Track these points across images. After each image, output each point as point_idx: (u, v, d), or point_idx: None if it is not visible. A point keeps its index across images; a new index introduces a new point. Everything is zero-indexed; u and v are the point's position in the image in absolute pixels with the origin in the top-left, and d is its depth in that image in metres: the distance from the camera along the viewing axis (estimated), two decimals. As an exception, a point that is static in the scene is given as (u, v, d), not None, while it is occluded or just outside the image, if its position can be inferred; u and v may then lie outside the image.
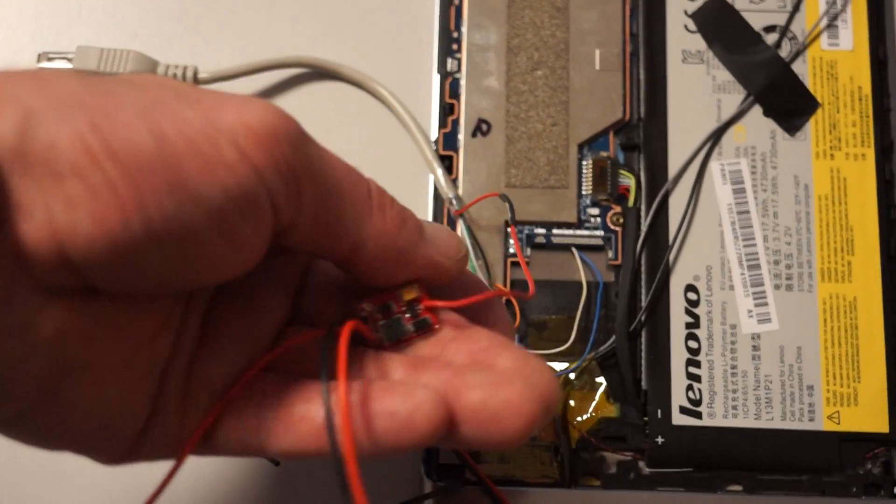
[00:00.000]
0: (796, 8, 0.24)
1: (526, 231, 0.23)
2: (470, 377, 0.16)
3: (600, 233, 0.24)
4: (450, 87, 0.25)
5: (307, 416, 0.15)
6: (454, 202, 0.22)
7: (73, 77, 0.14)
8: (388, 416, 0.15)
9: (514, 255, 0.23)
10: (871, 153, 0.23)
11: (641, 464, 0.22)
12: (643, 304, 0.23)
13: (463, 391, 0.16)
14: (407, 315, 0.17)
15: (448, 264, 0.17)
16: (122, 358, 0.15)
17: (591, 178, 0.24)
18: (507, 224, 0.22)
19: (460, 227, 0.22)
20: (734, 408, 0.22)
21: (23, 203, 0.13)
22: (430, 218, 0.23)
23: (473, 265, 0.22)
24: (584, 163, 0.24)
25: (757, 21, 0.25)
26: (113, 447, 0.15)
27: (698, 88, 0.24)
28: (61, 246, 0.13)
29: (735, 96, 0.24)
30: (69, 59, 0.23)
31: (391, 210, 0.17)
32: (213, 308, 0.16)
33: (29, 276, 0.13)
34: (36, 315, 0.14)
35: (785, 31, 0.24)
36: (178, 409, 0.16)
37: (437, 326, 0.17)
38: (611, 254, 0.24)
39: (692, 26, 0.24)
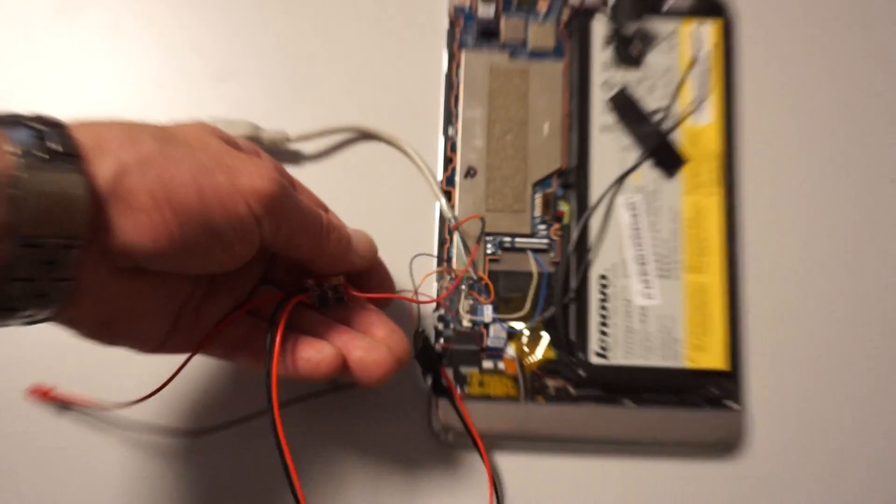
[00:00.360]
0: (674, 98, 0.30)
1: (498, 239, 0.29)
2: (357, 341, 0.22)
3: (546, 241, 0.29)
4: (450, 146, 0.30)
5: (262, 352, 0.21)
6: (452, 220, 0.29)
7: (154, 139, 0.18)
8: (306, 361, 0.22)
9: (492, 254, 0.29)
10: (719, 192, 0.29)
11: (570, 388, 0.28)
12: (573, 286, 0.28)
13: (351, 350, 0.22)
14: (332, 292, 0.23)
15: (364, 263, 0.24)
16: (155, 304, 0.20)
17: (540, 206, 0.30)
18: (480, 235, 0.29)
19: (456, 237, 0.29)
20: (630, 353, 0.28)
21: (110, 223, 0.17)
22: (435, 232, 0.29)
23: (464, 261, 0.29)
24: (536, 196, 0.30)
25: (649, 105, 0.30)
26: (144, 349, 0.21)
27: (611, 148, 0.30)
28: (129, 250, 0.18)
29: (634, 154, 0.30)
30: (205, 126, 0.31)
31: (334, 234, 0.22)
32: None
33: (106, 262, 0.18)
34: (108, 283, 0.18)
35: (667, 112, 0.30)
36: (188, 331, 0.22)
37: (347, 301, 0.23)
38: (552, 254, 0.29)
39: (607, 109, 0.30)
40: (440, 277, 0.29)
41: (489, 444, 0.28)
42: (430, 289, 0.29)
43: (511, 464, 0.28)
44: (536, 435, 0.28)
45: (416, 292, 0.28)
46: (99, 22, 0.32)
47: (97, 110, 0.31)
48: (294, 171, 0.30)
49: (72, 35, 0.32)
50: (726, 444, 0.28)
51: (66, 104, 0.32)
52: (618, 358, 0.28)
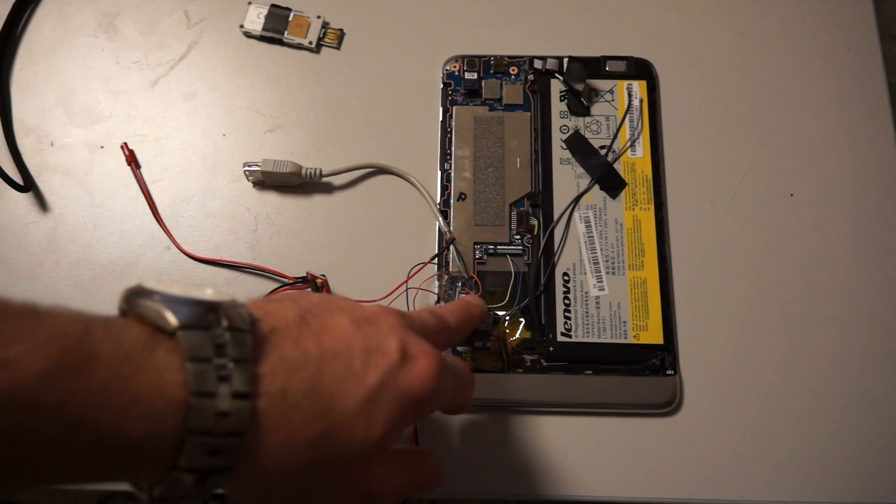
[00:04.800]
0: (615, 137, 0.37)
1: (485, 247, 0.35)
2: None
3: (520, 247, 0.35)
4: (445, 177, 0.36)
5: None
6: (448, 233, 0.36)
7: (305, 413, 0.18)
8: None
9: (479, 258, 0.35)
10: (651, 207, 0.35)
11: (543, 361, 0.32)
12: (542, 282, 0.34)
13: None
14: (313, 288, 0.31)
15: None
16: None
17: (516, 220, 0.35)
18: (449, 242, 0.35)
19: (452, 246, 0.35)
20: (587, 332, 0.33)
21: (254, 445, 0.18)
22: (435, 242, 0.35)
23: (458, 265, 0.35)
24: (512, 213, 0.35)
25: (596, 143, 0.36)
26: None
27: (567, 177, 0.35)
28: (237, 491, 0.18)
29: (586, 180, 0.35)
30: (259, 165, 0.37)
31: (468, 392, 0.25)
32: None
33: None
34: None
35: (609, 148, 0.36)
36: None
37: None
38: (526, 257, 0.34)
39: (564, 146, 0.36)
40: (439, 278, 0.36)
41: (480, 407, 0.33)
42: (433, 286, 0.35)
43: (498, 422, 0.33)
44: (517, 399, 0.32)
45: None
46: (181, 90, 0.40)
47: (178, 154, 0.39)
48: (327, 199, 0.37)
49: (162, 100, 0.40)
50: (665, 403, 0.33)
51: (156, 150, 0.39)
52: (579, 337, 0.33)
